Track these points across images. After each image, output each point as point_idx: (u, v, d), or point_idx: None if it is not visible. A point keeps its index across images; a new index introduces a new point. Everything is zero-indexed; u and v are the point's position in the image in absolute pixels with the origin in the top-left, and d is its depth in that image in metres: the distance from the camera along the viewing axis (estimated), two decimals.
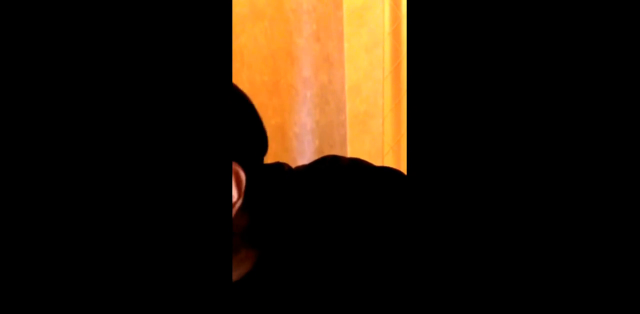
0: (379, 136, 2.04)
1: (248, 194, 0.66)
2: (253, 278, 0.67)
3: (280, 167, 0.72)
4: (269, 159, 1.77)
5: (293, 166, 0.74)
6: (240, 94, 0.69)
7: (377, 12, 2.04)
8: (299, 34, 1.85)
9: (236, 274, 0.68)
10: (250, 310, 0.67)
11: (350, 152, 2.14)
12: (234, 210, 0.66)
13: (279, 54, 1.75)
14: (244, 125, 0.68)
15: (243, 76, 1.60)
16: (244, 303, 0.67)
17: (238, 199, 0.66)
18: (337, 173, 0.69)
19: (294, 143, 1.79)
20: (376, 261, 0.64)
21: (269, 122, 1.77)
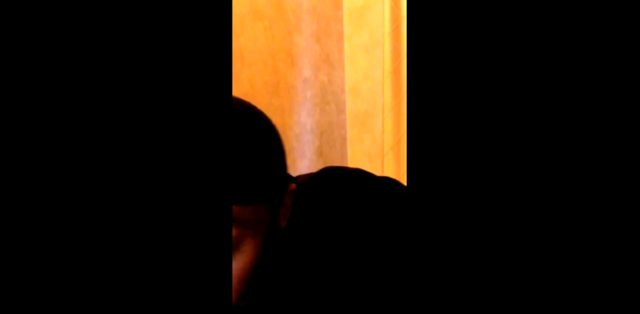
0: (379, 136, 2.04)
1: None
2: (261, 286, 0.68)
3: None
4: None
5: (292, 166, 0.74)
6: (259, 114, 0.67)
7: (377, 12, 2.04)
8: (299, 34, 1.85)
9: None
10: None
11: (350, 152, 2.14)
12: (285, 221, 0.66)
13: (279, 54, 1.75)
14: (275, 157, 0.67)
15: (243, 76, 1.60)
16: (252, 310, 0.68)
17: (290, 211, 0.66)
18: (339, 184, 0.70)
19: (294, 143, 1.79)
20: (376, 267, 0.65)
21: None
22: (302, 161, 1.81)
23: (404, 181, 1.74)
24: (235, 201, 0.57)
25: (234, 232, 0.58)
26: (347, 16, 2.11)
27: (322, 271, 0.66)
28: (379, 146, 2.07)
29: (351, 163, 2.12)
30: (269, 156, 0.62)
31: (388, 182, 0.71)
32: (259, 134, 0.62)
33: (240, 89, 1.57)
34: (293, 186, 0.66)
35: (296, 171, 1.71)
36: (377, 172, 1.01)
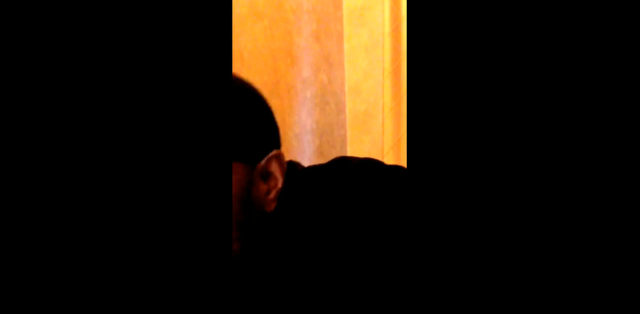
0: (379, 136, 2.04)
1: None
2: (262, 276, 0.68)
3: (293, 166, 0.72)
4: None
5: None
6: (251, 90, 0.71)
7: (377, 12, 2.04)
8: (299, 34, 1.85)
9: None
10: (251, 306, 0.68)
11: (350, 152, 2.14)
12: (275, 194, 0.66)
13: (279, 54, 1.75)
14: (261, 121, 0.69)
15: (243, 76, 1.60)
16: (247, 299, 0.68)
17: (282, 183, 0.66)
18: (347, 172, 0.70)
19: (294, 143, 1.79)
20: (378, 257, 0.65)
21: None
22: (301, 161, 1.81)
23: None
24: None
25: None
26: (347, 16, 2.11)
27: (319, 256, 0.66)
28: (379, 146, 2.07)
29: None
30: (248, 114, 0.65)
31: (395, 170, 0.71)
32: (245, 99, 0.67)
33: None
34: (276, 151, 0.66)
35: None
36: None
